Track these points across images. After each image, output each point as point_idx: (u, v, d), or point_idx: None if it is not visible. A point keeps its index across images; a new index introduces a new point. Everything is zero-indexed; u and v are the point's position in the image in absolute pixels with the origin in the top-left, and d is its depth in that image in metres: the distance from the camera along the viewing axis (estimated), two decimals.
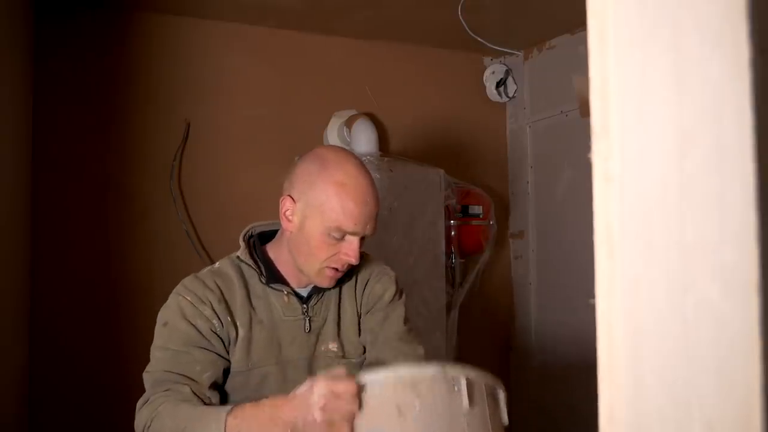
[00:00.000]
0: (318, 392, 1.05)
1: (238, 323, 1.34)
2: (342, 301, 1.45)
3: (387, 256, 2.49)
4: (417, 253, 2.59)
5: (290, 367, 1.37)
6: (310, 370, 1.37)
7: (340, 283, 1.41)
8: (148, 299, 2.47)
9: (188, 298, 1.33)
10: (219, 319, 1.32)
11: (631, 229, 0.37)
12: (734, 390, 0.33)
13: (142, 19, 2.51)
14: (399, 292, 1.49)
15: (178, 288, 1.37)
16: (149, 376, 1.34)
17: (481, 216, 2.81)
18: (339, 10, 2.52)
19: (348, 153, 1.40)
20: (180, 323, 1.31)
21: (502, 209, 3.05)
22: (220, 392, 1.33)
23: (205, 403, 1.26)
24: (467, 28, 2.61)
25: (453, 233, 2.75)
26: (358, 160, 1.38)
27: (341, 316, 1.44)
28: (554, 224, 2.89)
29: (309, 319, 1.39)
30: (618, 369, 0.38)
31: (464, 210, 2.78)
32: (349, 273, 1.43)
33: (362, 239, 1.33)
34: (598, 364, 0.39)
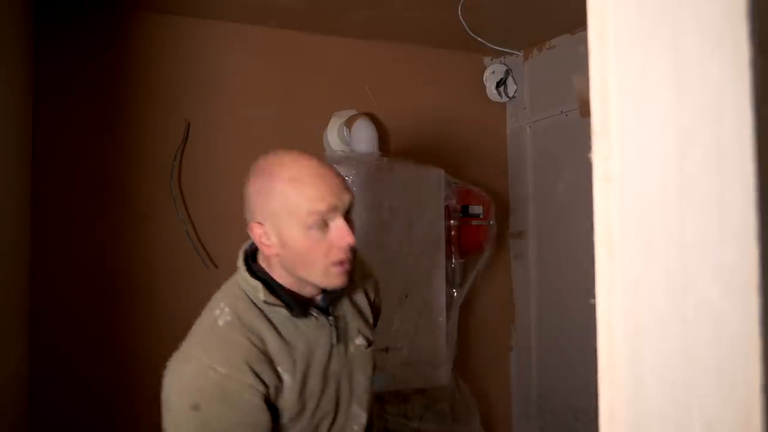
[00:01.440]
0: None
1: (280, 370, 1.22)
2: (353, 296, 1.43)
3: (387, 256, 2.49)
4: (417, 253, 2.58)
5: (332, 381, 1.31)
6: (349, 376, 1.35)
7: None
8: (148, 299, 2.48)
9: (222, 371, 1.15)
10: (263, 381, 1.18)
11: (631, 229, 0.37)
12: (734, 390, 0.33)
13: (143, 19, 2.51)
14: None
15: (199, 354, 1.19)
16: None
17: (481, 216, 2.81)
18: (339, 10, 2.52)
19: (284, 150, 1.30)
20: (220, 406, 1.15)
21: (502, 209, 3.05)
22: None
23: None
24: (467, 28, 2.61)
25: (453, 233, 2.75)
26: (297, 151, 1.28)
27: (357, 309, 1.42)
28: (554, 224, 2.89)
29: (336, 329, 1.32)
30: (618, 369, 0.38)
31: (464, 210, 2.78)
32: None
33: (348, 217, 1.24)
34: (598, 364, 0.39)
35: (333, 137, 2.72)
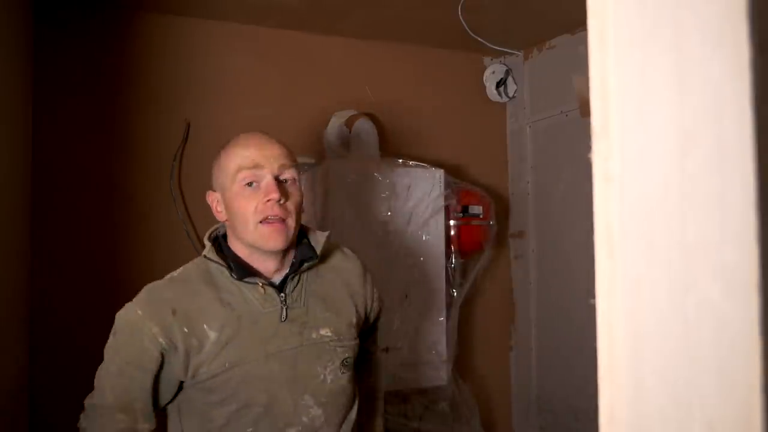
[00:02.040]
0: None
1: (206, 327, 1.31)
2: (323, 285, 1.44)
3: (387, 257, 2.49)
4: (417, 253, 2.58)
5: (275, 359, 1.34)
6: (298, 361, 1.36)
7: (311, 265, 1.42)
8: None
9: (139, 312, 1.33)
10: (168, 335, 1.30)
11: (631, 229, 0.37)
12: (735, 390, 0.33)
13: (143, 19, 2.51)
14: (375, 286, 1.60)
15: (137, 298, 1.37)
16: (99, 382, 1.38)
17: (481, 216, 2.81)
18: (339, 10, 2.52)
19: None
20: (126, 338, 1.33)
21: (502, 209, 3.05)
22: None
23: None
24: (467, 28, 2.61)
25: (453, 233, 2.75)
26: (253, 131, 1.43)
27: (327, 300, 1.43)
28: (554, 224, 2.89)
29: (286, 308, 1.37)
30: (618, 369, 0.38)
31: (464, 210, 2.78)
32: (325, 259, 1.47)
33: (283, 183, 1.34)
34: (599, 364, 0.39)
35: (333, 137, 2.72)
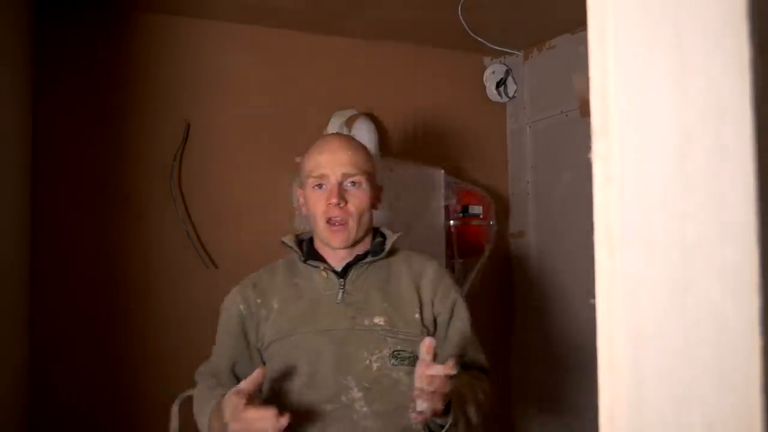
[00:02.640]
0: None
1: (274, 300, 1.52)
2: (393, 279, 1.55)
3: None
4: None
5: (324, 336, 1.47)
6: (346, 343, 1.46)
7: (375, 259, 1.54)
8: (148, 299, 2.48)
9: (233, 290, 1.58)
10: (247, 303, 1.53)
11: (631, 229, 0.37)
12: (735, 390, 0.33)
13: (142, 19, 2.51)
14: (460, 294, 1.62)
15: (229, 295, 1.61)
16: (213, 353, 1.60)
17: (481, 216, 2.81)
18: (339, 10, 2.52)
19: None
20: (223, 313, 1.57)
21: (502, 209, 3.05)
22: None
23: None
24: (467, 28, 2.61)
25: (453, 233, 2.75)
26: (342, 134, 1.65)
27: (393, 294, 1.52)
28: (554, 224, 2.89)
29: (343, 292, 1.51)
30: (618, 369, 0.38)
31: (464, 210, 2.78)
32: (398, 258, 1.59)
33: (343, 194, 1.49)
34: (598, 364, 0.39)
35: None
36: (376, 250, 1.57)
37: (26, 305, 2.26)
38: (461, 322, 1.58)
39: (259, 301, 1.52)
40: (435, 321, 1.55)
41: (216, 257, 2.55)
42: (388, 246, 1.57)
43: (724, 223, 0.34)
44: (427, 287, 1.56)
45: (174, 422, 2.26)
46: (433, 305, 1.55)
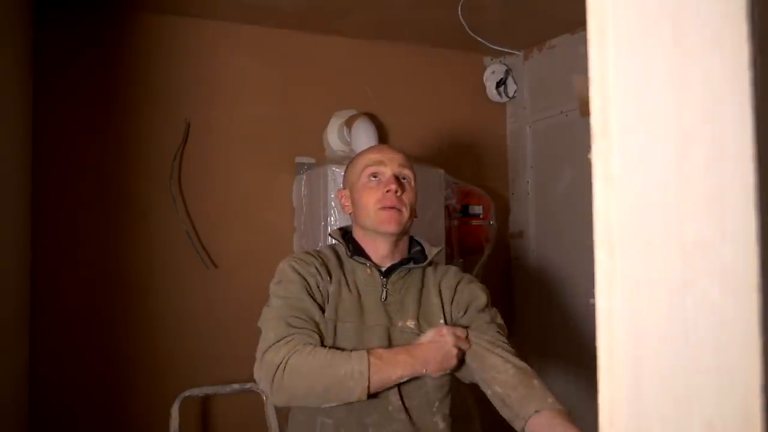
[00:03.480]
0: (449, 335, 1.46)
1: (332, 280, 1.55)
2: (425, 287, 1.62)
3: None
4: None
5: (367, 331, 1.51)
6: (392, 341, 1.52)
7: (410, 268, 1.59)
8: (148, 299, 2.48)
9: (297, 262, 1.56)
10: (320, 275, 1.53)
11: (631, 228, 0.37)
12: (734, 389, 0.33)
13: (142, 19, 2.51)
14: (489, 302, 1.66)
15: (285, 261, 1.59)
16: (271, 321, 1.48)
17: (481, 216, 2.81)
18: (339, 10, 2.52)
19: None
20: (293, 276, 1.52)
21: (502, 209, 3.05)
22: None
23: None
24: (467, 28, 2.61)
25: (453, 233, 2.75)
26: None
27: (423, 300, 1.60)
28: (554, 224, 2.89)
29: (386, 291, 1.57)
30: (618, 369, 0.38)
31: (464, 210, 2.78)
32: (435, 271, 1.65)
33: (400, 184, 1.57)
34: (598, 364, 0.39)
35: (333, 137, 2.72)
36: (418, 258, 1.63)
37: (26, 305, 2.26)
38: (477, 301, 1.64)
39: (322, 278, 1.54)
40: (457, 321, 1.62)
41: (216, 257, 2.55)
42: (430, 256, 1.63)
43: (724, 222, 0.34)
44: (447, 295, 1.63)
45: (174, 422, 2.26)
46: (451, 307, 1.63)
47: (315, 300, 1.51)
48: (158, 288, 2.46)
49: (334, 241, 1.68)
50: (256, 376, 1.46)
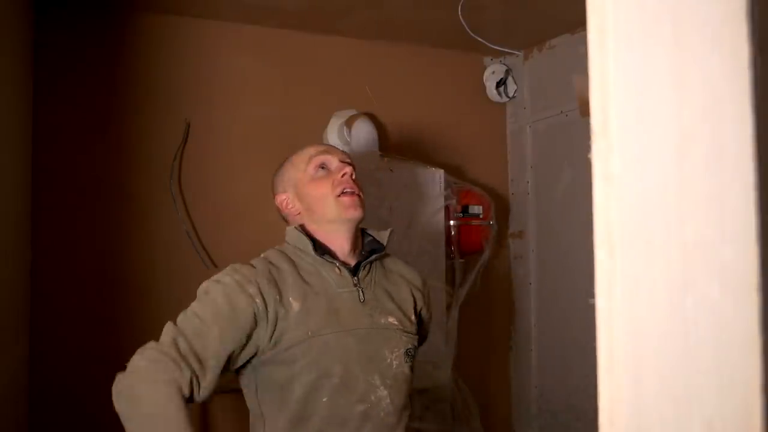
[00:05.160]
0: None
1: (291, 299, 1.42)
2: (389, 280, 1.58)
3: None
4: (417, 253, 2.58)
5: (349, 335, 1.45)
6: (370, 341, 1.47)
7: (376, 259, 1.55)
8: (148, 299, 2.48)
9: (236, 278, 1.41)
10: (264, 298, 1.39)
11: (631, 228, 0.37)
12: (734, 389, 0.33)
13: (143, 19, 2.51)
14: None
15: (227, 269, 1.46)
16: (171, 332, 1.38)
17: (481, 216, 2.81)
18: (339, 10, 2.52)
19: None
20: (219, 297, 1.39)
21: (502, 209, 3.05)
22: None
23: (190, 395, 1.31)
24: (467, 28, 2.61)
25: (453, 233, 2.75)
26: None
27: (394, 294, 1.57)
28: (554, 224, 2.89)
29: (362, 290, 1.50)
30: (618, 368, 0.38)
31: (464, 210, 2.78)
32: (389, 261, 1.61)
33: (348, 168, 1.50)
34: (598, 364, 0.39)
35: (333, 137, 2.72)
36: (377, 247, 1.57)
37: (26, 305, 2.26)
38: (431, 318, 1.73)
39: (277, 297, 1.41)
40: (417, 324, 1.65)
41: (216, 257, 2.55)
42: (385, 242, 1.58)
43: (724, 222, 0.34)
44: (419, 297, 1.64)
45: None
46: (420, 313, 1.65)
47: (230, 333, 1.36)
48: (158, 288, 2.46)
49: (288, 243, 1.54)
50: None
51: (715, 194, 0.34)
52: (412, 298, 1.60)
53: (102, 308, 2.41)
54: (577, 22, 2.66)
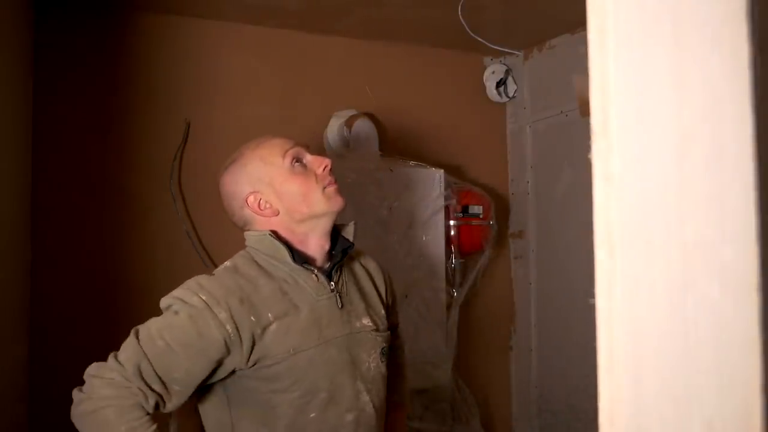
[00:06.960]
0: None
1: (270, 314, 1.34)
2: (356, 275, 1.54)
3: (387, 256, 2.49)
4: (417, 253, 2.58)
5: (331, 346, 1.40)
6: (350, 348, 1.43)
7: (346, 260, 1.50)
8: (148, 299, 2.47)
9: (203, 298, 1.30)
10: (236, 324, 1.29)
11: (631, 228, 0.37)
12: (734, 389, 0.33)
13: (142, 19, 2.51)
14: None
15: (192, 285, 1.34)
16: (131, 349, 1.28)
17: (481, 216, 2.81)
18: (339, 10, 2.52)
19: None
20: (186, 323, 1.28)
21: (502, 209, 3.05)
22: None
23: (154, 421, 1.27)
24: (467, 28, 2.61)
25: (453, 233, 2.75)
26: None
27: (363, 291, 1.52)
28: (554, 224, 2.89)
29: (339, 296, 1.44)
30: (618, 368, 0.38)
31: (464, 210, 2.78)
32: (352, 256, 1.55)
33: (327, 161, 1.44)
34: (598, 364, 0.39)
35: (333, 137, 2.72)
36: (347, 244, 1.48)
37: (26, 305, 2.26)
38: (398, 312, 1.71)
39: (253, 319, 1.31)
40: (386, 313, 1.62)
41: (216, 257, 2.55)
42: (352, 237, 1.49)
43: (724, 222, 0.34)
44: (381, 284, 1.60)
45: (174, 422, 2.26)
46: (387, 301, 1.62)
47: (198, 364, 1.29)
48: (158, 288, 2.44)
49: (257, 250, 1.43)
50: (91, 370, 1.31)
51: (715, 194, 0.34)
52: (376, 291, 1.56)
53: (102, 308, 2.41)
54: (577, 22, 2.66)
